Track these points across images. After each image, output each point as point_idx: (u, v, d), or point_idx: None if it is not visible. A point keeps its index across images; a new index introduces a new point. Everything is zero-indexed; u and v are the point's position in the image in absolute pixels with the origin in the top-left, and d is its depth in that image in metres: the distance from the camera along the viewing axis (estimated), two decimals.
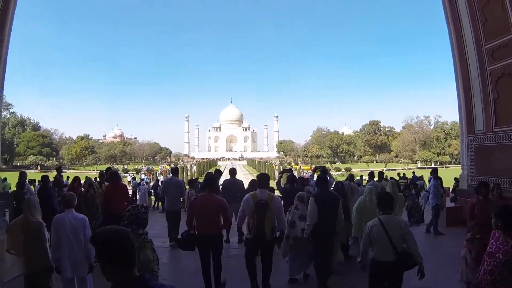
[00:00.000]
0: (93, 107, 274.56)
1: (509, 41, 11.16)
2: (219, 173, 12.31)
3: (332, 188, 9.03)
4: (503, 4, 10.98)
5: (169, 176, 15.68)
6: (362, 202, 8.49)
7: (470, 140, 13.34)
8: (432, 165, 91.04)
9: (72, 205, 5.89)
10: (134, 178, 34.71)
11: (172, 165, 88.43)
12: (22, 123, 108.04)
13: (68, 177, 25.28)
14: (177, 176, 13.19)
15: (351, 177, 12.26)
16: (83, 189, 9.65)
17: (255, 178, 8.58)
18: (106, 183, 10.04)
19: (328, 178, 7.97)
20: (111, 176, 9.90)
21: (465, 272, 6.05)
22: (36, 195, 9.35)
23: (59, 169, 15.54)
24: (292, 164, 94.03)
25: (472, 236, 6.02)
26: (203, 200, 6.70)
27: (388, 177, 16.97)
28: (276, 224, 6.81)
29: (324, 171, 10.13)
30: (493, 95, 12.14)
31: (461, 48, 13.37)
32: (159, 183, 26.20)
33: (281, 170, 14.19)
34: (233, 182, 11.98)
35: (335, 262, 7.03)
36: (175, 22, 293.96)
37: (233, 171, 12.63)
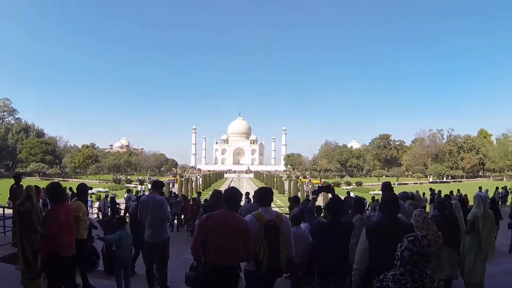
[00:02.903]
0: (100, 118, 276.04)
1: None
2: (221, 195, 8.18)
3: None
4: None
5: (146, 192, 11.24)
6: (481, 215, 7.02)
7: None
8: (444, 179, 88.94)
9: None
10: (129, 191, 27.47)
11: (174, 177, 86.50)
12: (26, 129, 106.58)
13: (71, 188, 23.66)
14: (160, 192, 9.30)
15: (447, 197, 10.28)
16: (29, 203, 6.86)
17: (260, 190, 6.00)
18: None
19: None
20: (50, 193, 6.44)
21: None
22: None
23: (17, 177, 12.54)
24: (301, 177, 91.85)
25: None
26: (221, 221, 4.82)
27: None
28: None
29: (387, 188, 8.02)
30: None
31: None
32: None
33: (317, 187, 10.62)
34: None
35: None
36: (185, 34, 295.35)
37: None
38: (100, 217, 20.22)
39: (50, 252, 5.94)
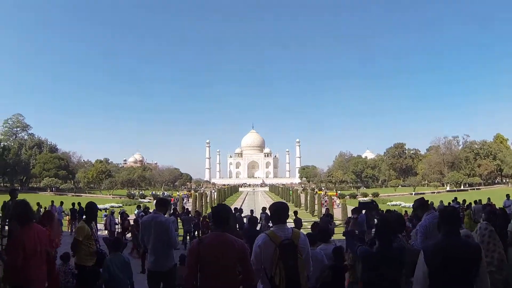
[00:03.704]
0: (114, 133, 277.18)
1: None
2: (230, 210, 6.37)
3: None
4: None
5: (151, 211, 9.28)
6: None
7: None
8: (462, 188, 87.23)
9: None
10: (139, 207, 23.80)
11: (189, 191, 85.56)
12: (39, 144, 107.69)
13: (79, 203, 23.26)
14: (165, 212, 7.17)
15: None
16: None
17: (270, 207, 5.08)
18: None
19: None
20: (16, 213, 5.44)
21: None
22: None
23: (13, 192, 11.14)
24: (316, 190, 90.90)
25: None
26: (214, 245, 4.31)
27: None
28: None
29: (423, 206, 6.75)
30: None
31: None
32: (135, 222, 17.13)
33: (358, 205, 8.80)
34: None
35: None
36: (197, 47, 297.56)
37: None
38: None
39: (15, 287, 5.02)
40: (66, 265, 7.81)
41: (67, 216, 24.43)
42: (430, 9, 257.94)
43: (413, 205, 6.98)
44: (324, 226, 7.70)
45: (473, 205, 18.75)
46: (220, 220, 4.51)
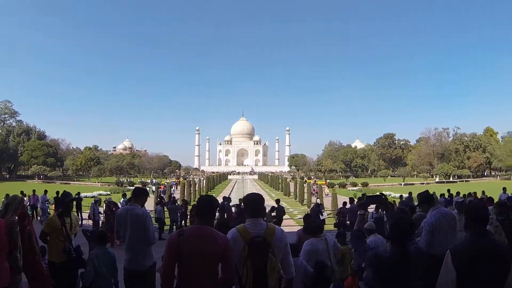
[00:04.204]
0: (104, 120, 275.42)
1: None
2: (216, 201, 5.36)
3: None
4: None
5: (125, 203, 8.09)
6: None
7: None
8: (451, 179, 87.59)
9: None
10: (124, 195, 23.88)
11: (178, 179, 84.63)
12: (27, 131, 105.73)
13: (64, 191, 22.03)
14: (142, 203, 6.16)
15: None
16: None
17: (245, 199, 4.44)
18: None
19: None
20: None
21: None
22: None
23: None
24: (305, 178, 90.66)
25: None
26: (195, 239, 3.75)
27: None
28: (281, 273, 4.06)
29: (427, 200, 6.13)
30: None
31: None
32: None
33: (366, 198, 7.53)
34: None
35: None
36: (186, 32, 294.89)
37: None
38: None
39: None
40: (42, 259, 7.07)
41: (53, 205, 23.32)
42: None
43: (419, 200, 6.27)
44: (315, 219, 7.01)
45: (467, 198, 18.26)
46: (203, 212, 3.97)
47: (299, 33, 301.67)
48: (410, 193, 23.05)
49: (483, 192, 19.85)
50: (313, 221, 7.60)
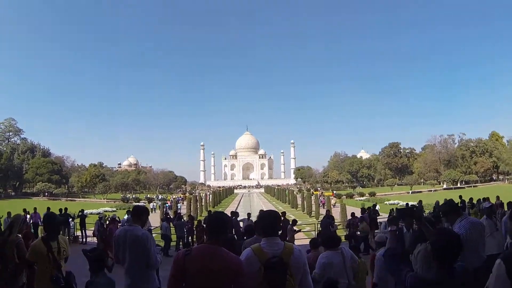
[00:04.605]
0: (108, 136, 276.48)
1: None
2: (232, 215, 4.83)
3: None
4: None
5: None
6: None
7: None
8: (458, 185, 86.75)
9: None
10: (129, 212, 20.95)
11: (184, 194, 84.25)
12: (32, 149, 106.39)
13: (66, 208, 21.96)
14: (142, 223, 5.54)
15: None
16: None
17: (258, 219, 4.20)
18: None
19: None
20: None
21: None
22: None
23: None
24: (312, 190, 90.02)
25: None
26: (202, 257, 3.42)
27: None
28: None
29: (454, 209, 5.61)
30: None
31: None
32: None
33: (396, 212, 6.81)
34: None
35: None
36: (195, 52, 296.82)
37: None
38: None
39: None
40: None
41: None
42: (421, 8, 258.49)
43: (443, 211, 5.78)
44: (328, 232, 6.61)
45: (482, 203, 17.73)
46: (213, 230, 3.62)
47: (303, 47, 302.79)
48: (420, 201, 22.53)
49: (498, 198, 19.23)
50: (329, 233, 7.20)
